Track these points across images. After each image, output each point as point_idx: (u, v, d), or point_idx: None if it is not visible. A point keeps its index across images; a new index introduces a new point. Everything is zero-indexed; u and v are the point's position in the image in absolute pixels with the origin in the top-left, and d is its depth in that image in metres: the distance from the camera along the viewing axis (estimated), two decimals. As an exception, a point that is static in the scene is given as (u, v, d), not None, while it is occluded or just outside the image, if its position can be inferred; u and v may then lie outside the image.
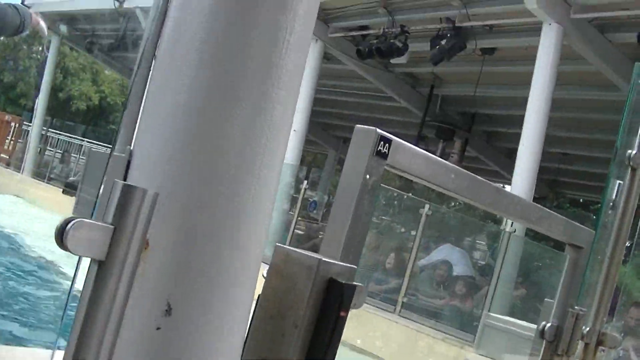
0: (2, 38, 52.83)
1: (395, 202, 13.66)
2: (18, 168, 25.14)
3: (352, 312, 1.48)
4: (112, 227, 1.14)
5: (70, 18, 23.28)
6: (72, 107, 54.13)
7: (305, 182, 14.37)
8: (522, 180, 10.70)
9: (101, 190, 1.30)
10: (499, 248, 10.73)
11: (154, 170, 1.21)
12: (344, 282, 1.46)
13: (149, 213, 1.15)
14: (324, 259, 1.47)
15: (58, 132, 44.37)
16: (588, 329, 2.58)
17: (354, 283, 1.50)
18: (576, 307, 2.50)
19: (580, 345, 2.58)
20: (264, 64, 1.25)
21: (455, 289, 11.46)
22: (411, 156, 1.81)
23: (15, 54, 51.13)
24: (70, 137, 44.22)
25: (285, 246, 1.52)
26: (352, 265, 1.54)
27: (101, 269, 1.14)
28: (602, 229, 3.67)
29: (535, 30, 11.28)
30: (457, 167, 1.95)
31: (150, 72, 1.30)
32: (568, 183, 19.97)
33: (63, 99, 53.87)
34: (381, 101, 18.03)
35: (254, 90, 1.25)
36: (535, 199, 14.59)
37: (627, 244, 2.92)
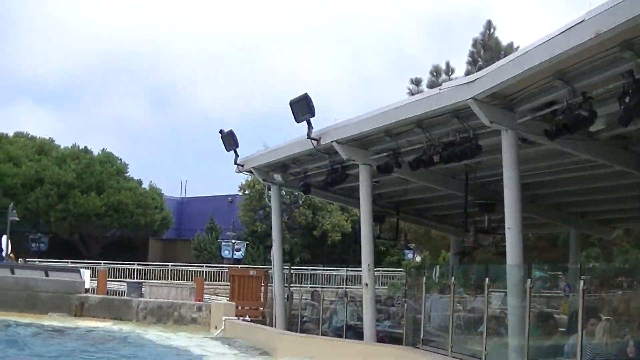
0: (247, 192, 56.35)
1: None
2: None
3: None
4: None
5: (281, 166, 24.65)
6: (327, 241, 56.50)
7: (529, 280, 14.00)
8: None
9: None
10: None
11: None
12: None
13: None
14: None
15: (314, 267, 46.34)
16: None
17: None
18: None
19: None
20: None
21: None
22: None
23: (262, 203, 54.28)
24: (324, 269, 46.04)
25: None
26: None
27: None
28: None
29: None
30: None
31: None
32: None
33: (318, 235, 56.43)
34: (595, 170, 17.62)
35: None
36: None
37: None
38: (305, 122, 20.60)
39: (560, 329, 14.68)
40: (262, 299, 30.56)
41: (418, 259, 46.11)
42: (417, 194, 24.95)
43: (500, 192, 16.03)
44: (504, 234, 16.34)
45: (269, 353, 22.53)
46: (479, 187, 21.63)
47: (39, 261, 47.21)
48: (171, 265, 51.14)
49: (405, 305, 21.14)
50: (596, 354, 11.88)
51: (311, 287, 39.50)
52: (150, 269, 50.53)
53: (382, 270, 47.22)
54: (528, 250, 21.62)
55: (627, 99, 12.12)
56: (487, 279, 15.77)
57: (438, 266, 29.02)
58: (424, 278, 19.66)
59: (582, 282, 12.10)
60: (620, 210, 23.95)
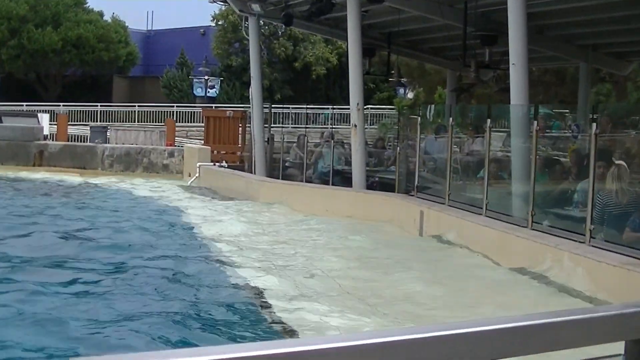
0: (220, 22, 55.43)
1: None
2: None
3: None
4: None
5: (258, -6, 24.23)
6: (311, 75, 56.15)
7: (536, 122, 13.93)
8: None
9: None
10: None
11: None
12: None
13: None
14: None
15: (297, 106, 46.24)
16: None
17: None
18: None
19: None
20: None
21: None
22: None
23: (238, 36, 53.49)
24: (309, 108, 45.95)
25: None
26: None
27: None
28: None
29: None
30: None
31: None
32: None
33: (300, 68, 56.05)
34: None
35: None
36: None
37: None
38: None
39: (568, 175, 14.74)
40: (240, 142, 30.56)
41: (411, 95, 45.99)
42: (410, 25, 24.58)
43: (503, 22, 15.79)
44: (507, 68, 16.23)
45: (249, 201, 22.69)
46: (479, 17, 21.27)
47: (-10, 105, 46.78)
48: (138, 106, 50.92)
49: (398, 148, 21.17)
50: (606, 204, 11.88)
51: (293, 127, 39.56)
52: (115, 111, 50.39)
53: (372, 108, 47.24)
54: (533, 85, 21.56)
55: None
56: (488, 120, 15.69)
57: (433, 104, 29.05)
58: (419, 117, 19.58)
59: (594, 126, 11.99)
60: (637, 43, 23.76)
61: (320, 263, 13.54)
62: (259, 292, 11.38)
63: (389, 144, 26.71)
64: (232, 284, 11.98)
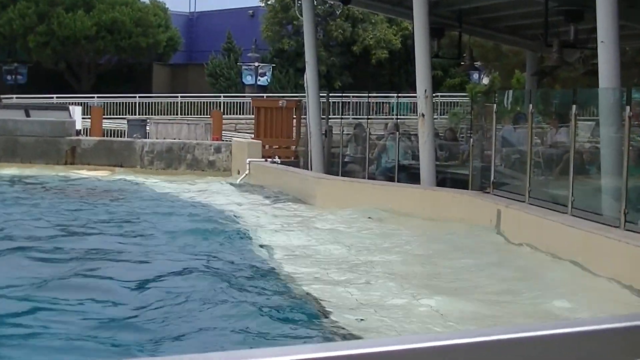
0: (270, 2, 55.58)
1: None
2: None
3: None
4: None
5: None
6: (372, 60, 56.06)
7: (628, 108, 13.77)
8: None
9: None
10: None
11: None
12: None
13: None
14: None
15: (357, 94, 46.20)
16: None
17: None
18: None
19: None
20: None
21: None
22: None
23: (290, 16, 53.64)
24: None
25: None
26: None
27: None
28: None
29: None
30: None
31: None
32: None
33: (359, 52, 56.02)
34: None
35: None
36: None
37: None
38: None
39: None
40: (294, 136, 30.64)
41: (485, 81, 45.81)
42: (484, 1, 24.48)
43: (590, -6, 15.62)
44: (595, 48, 16.04)
45: (305, 201, 22.72)
46: (562, -11, 21.16)
47: (16, 97, 47.40)
48: (181, 97, 51.32)
49: (472, 140, 21.06)
50: None
51: (354, 118, 39.53)
52: (155, 102, 50.80)
53: (442, 96, 47.08)
54: (626, 66, 21.29)
55: None
56: (574, 106, 15.55)
57: (511, 90, 28.87)
58: (495, 105, 19.45)
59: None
60: None
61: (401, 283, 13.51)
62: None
63: (461, 135, 26.60)
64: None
